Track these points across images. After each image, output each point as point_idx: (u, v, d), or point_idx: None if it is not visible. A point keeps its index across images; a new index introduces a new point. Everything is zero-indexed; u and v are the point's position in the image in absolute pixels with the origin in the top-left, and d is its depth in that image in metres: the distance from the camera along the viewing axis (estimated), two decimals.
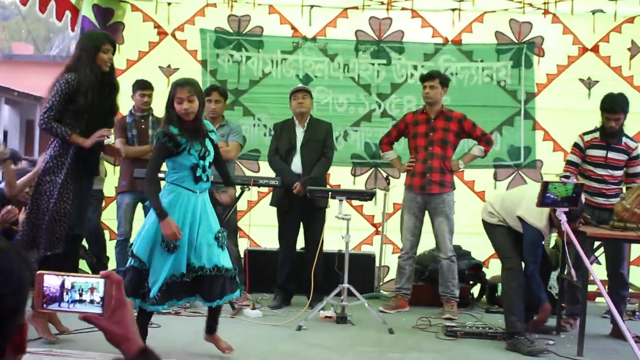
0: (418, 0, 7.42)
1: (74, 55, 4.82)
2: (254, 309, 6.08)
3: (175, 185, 4.41)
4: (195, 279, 4.42)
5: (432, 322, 5.93)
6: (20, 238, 4.68)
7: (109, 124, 5.06)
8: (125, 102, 6.10)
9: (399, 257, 6.62)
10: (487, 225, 5.54)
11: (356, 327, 5.78)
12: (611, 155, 5.82)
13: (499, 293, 6.57)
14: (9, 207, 5.37)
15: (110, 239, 7.15)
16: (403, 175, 6.82)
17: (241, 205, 6.56)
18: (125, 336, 1.52)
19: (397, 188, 7.07)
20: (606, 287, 5.69)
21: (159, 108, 6.77)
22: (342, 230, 5.89)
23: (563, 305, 5.94)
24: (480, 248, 6.77)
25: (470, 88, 7.55)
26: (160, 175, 6.03)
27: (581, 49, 7.48)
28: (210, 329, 4.68)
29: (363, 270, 6.93)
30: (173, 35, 7.63)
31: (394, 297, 6.60)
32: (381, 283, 7.24)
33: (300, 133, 6.54)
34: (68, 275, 1.51)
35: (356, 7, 7.55)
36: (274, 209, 6.65)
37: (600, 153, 5.84)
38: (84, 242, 6.21)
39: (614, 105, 5.72)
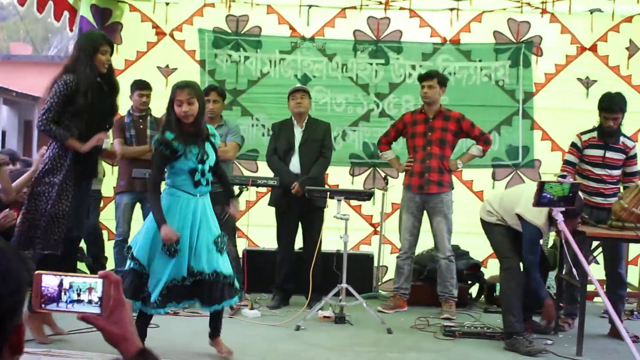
0: (416, 0, 7.42)
1: (72, 56, 4.81)
2: (252, 308, 6.08)
3: (175, 188, 4.41)
4: (195, 283, 4.41)
5: (430, 322, 5.93)
6: (16, 238, 4.67)
7: (109, 124, 5.06)
8: (124, 103, 6.09)
9: (398, 257, 6.62)
10: (485, 225, 5.54)
11: (354, 327, 5.78)
12: (609, 154, 5.82)
13: (498, 293, 6.57)
14: (7, 211, 5.36)
15: (109, 239, 7.15)
16: (401, 175, 6.82)
17: (240, 205, 6.55)
18: (123, 336, 1.52)
19: (396, 188, 7.07)
20: (604, 286, 5.71)
21: (157, 108, 6.79)
22: (340, 230, 5.90)
23: (561, 305, 5.94)
24: (479, 248, 6.77)
25: (468, 88, 7.55)
26: None
27: (579, 48, 7.49)
28: (213, 333, 4.68)
29: (361, 270, 6.93)
30: (171, 36, 7.63)
31: (392, 297, 6.60)
32: (379, 283, 7.25)
33: (298, 133, 6.54)
34: (66, 275, 1.51)
35: (354, 7, 7.55)
36: (273, 209, 6.65)
37: (598, 153, 5.84)
38: (82, 244, 6.21)
39: (612, 105, 5.72)
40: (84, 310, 1.50)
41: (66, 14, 6.87)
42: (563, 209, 4.76)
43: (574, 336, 5.27)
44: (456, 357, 5.04)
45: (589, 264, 5.06)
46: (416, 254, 6.69)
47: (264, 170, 7.02)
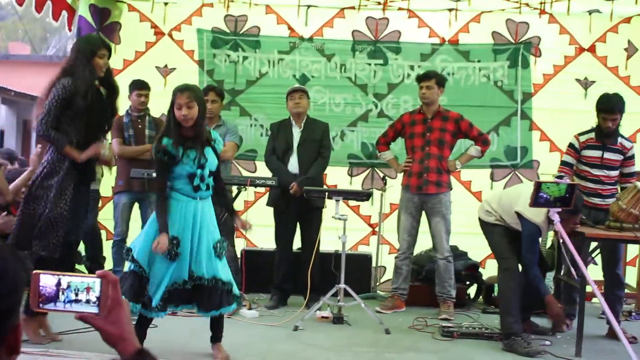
0: (415, 1, 7.42)
1: (70, 59, 4.78)
2: (250, 309, 6.08)
3: (175, 192, 4.41)
4: (194, 288, 4.41)
5: (428, 323, 5.93)
6: (13, 239, 4.65)
7: (108, 126, 5.05)
8: (122, 102, 6.09)
9: (396, 258, 6.62)
10: (484, 225, 5.53)
11: (353, 328, 5.78)
12: (607, 155, 5.82)
13: (496, 293, 6.57)
14: (5, 216, 5.34)
15: (107, 239, 7.15)
16: (400, 176, 6.82)
17: (238, 205, 6.55)
18: (121, 336, 1.52)
19: (394, 188, 7.07)
20: (602, 287, 5.71)
21: (155, 108, 6.79)
22: (338, 231, 5.90)
23: (559, 306, 5.94)
24: (477, 248, 6.77)
25: (467, 88, 7.55)
26: None
27: (578, 49, 7.49)
28: (214, 339, 4.67)
29: (359, 270, 6.93)
30: (170, 35, 7.63)
31: (390, 297, 6.60)
32: (378, 283, 7.25)
33: (297, 133, 6.54)
34: (64, 275, 1.50)
35: (353, 7, 7.55)
36: (271, 209, 6.65)
37: (596, 153, 5.84)
38: (81, 244, 6.19)
39: (611, 106, 5.72)
40: (81, 310, 1.50)
41: (64, 13, 6.87)
42: (559, 209, 4.76)
43: (572, 337, 5.27)
44: (454, 358, 5.05)
45: (587, 265, 5.06)
46: (414, 254, 6.69)
47: (263, 170, 7.02)
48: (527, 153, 7.53)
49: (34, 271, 1.49)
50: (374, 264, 7.15)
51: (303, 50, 7.64)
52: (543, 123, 7.52)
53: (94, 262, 6.77)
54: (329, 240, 6.57)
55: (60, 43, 30.06)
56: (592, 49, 7.48)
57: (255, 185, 6.30)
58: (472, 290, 7.03)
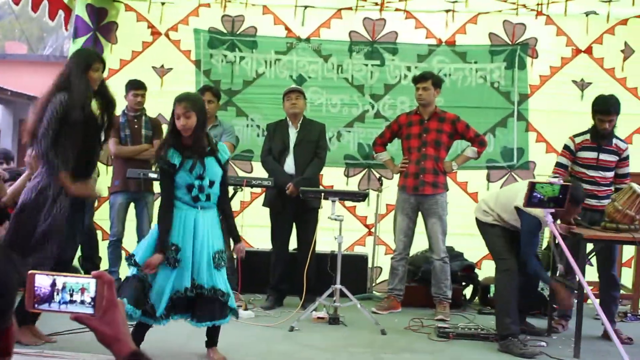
0: (412, 2, 7.41)
1: (64, 72, 4.69)
2: (246, 309, 6.08)
3: (177, 200, 4.42)
4: (195, 296, 4.41)
5: (424, 323, 5.93)
6: (5, 243, 4.62)
7: (105, 137, 5.02)
8: (119, 102, 6.08)
9: (392, 258, 6.62)
10: (481, 225, 5.53)
11: (349, 328, 5.78)
12: (602, 156, 5.83)
13: (492, 294, 6.58)
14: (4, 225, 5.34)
15: (103, 239, 7.13)
16: (396, 176, 6.82)
17: (234, 206, 6.53)
18: (116, 337, 1.51)
19: (390, 189, 7.06)
20: (597, 288, 5.73)
21: (152, 108, 6.79)
22: (334, 231, 5.89)
23: (555, 306, 5.95)
24: (473, 249, 6.79)
25: (463, 89, 7.55)
26: (153, 175, 6.07)
27: (574, 50, 7.50)
28: (209, 343, 4.66)
29: (356, 271, 6.94)
30: (167, 35, 7.62)
31: (386, 298, 6.60)
32: (374, 284, 7.25)
33: (293, 134, 6.54)
34: (59, 275, 1.50)
35: (350, 8, 7.55)
36: (267, 210, 6.64)
37: (592, 155, 5.84)
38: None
39: (607, 107, 5.73)
40: (76, 310, 1.50)
41: (61, 13, 6.86)
42: (553, 210, 4.77)
43: (568, 338, 5.28)
44: (450, 359, 5.05)
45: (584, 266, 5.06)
46: (410, 255, 6.69)
47: (259, 170, 7.01)
48: (523, 154, 7.53)
49: (30, 271, 1.48)
50: (370, 265, 7.14)
51: (300, 50, 7.64)
52: (539, 124, 7.52)
53: (90, 263, 6.75)
54: (325, 241, 6.57)
55: (57, 43, 30.01)
56: (588, 51, 7.49)
57: (252, 186, 6.31)
58: (468, 291, 7.04)
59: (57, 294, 1.49)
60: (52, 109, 4.53)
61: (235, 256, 6.61)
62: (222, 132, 6.51)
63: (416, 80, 6.55)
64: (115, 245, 6.73)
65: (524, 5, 7.35)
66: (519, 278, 5.24)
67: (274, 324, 5.74)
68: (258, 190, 7.14)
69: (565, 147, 5.98)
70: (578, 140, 5.91)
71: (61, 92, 4.58)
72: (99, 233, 7.19)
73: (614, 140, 5.86)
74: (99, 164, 7.00)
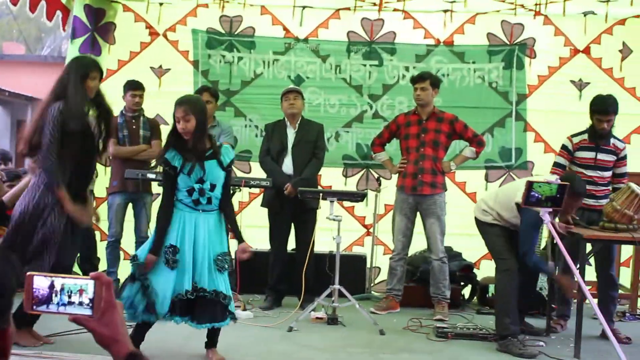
0: (410, 2, 7.41)
1: (62, 81, 4.67)
2: (245, 310, 6.08)
3: (178, 202, 4.43)
4: (195, 299, 4.40)
5: (423, 323, 5.93)
6: (5, 244, 4.61)
7: (104, 146, 4.99)
8: (117, 103, 6.08)
9: (390, 258, 6.62)
10: (480, 225, 5.51)
11: (347, 328, 5.78)
12: (600, 156, 5.83)
13: (490, 294, 6.58)
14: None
15: (101, 240, 7.12)
16: (394, 177, 6.83)
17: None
18: (114, 338, 1.51)
19: (389, 189, 7.07)
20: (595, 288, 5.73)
21: (150, 108, 6.78)
22: (333, 231, 5.90)
23: (553, 306, 5.95)
24: (472, 249, 6.79)
25: (461, 89, 7.56)
26: (151, 175, 6.07)
27: (572, 50, 7.51)
28: (209, 344, 4.66)
29: (354, 271, 6.93)
30: (164, 36, 7.61)
31: (385, 298, 6.60)
32: (372, 284, 7.24)
33: (291, 134, 6.54)
34: (57, 277, 1.50)
35: (348, 8, 7.55)
36: (265, 210, 6.64)
37: (590, 155, 5.84)
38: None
39: (605, 107, 5.73)
40: (75, 311, 1.50)
41: (59, 13, 6.86)
42: (550, 209, 4.77)
43: (567, 337, 5.28)
44: (449, 359, 5.05)
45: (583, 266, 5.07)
46: (409, 255, 6.68)
47: (257, 171, 7.01)
48: (521, 154, 7.54)
49: (28, 273, 1.48)
50: (368, 265, 7.14)
51: (298, 51, 7.64)
52: (537, 124, 7.53)
53: (88, 263, 6.74)
54: (323, 241, 6.58)
55: (55, 43, 29.98)
56: (586, 51, 7.49)
57: (250, 186, 6.31)
58: (466, 291, 7.04)
59: (56, 295, 1.49)
60: (51, 118, 4.51)
61: (233, 256, 6.63)
62: (220, 133, 6.50)
63: (414, 80, 6.55)
64: (114, 246, 6.72)
65: (522, 6, 7.35)
66: (520, 278, 5.24)
67: (272, 325, 5.74)
68: (256, 190, 7.14)
69: (563, 147, 5.98)
70: (576, 140, 5.91)
71: (58, 101, 4.58)
72: (97, 234, 7.18)
73: (612, 140, 5.86)
74: (97, 164, 7.01)
